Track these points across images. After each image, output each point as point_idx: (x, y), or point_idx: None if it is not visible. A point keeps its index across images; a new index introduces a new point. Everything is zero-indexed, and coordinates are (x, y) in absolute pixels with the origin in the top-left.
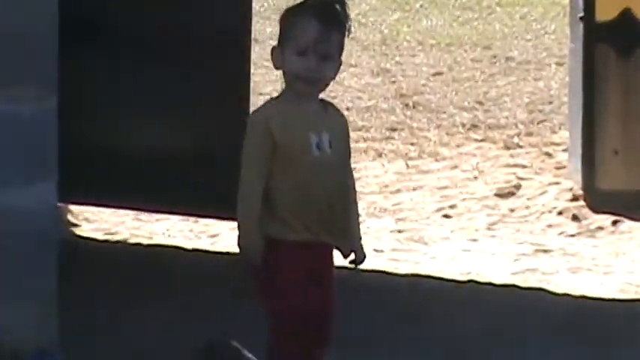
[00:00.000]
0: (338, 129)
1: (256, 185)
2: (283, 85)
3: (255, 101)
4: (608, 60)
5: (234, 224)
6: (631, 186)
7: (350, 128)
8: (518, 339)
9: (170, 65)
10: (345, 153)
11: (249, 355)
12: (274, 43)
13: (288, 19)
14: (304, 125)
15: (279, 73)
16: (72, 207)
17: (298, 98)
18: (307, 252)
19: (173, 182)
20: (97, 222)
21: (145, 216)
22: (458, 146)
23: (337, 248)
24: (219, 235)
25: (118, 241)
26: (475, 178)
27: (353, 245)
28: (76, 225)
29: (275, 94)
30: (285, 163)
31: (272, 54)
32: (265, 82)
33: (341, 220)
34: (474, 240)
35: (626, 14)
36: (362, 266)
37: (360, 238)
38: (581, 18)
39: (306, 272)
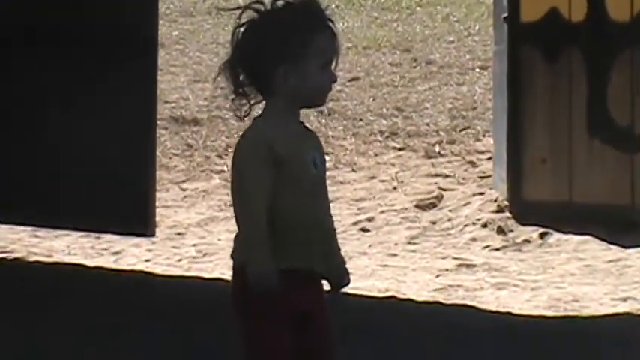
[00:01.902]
0: (319, 148)
1: (261, 206)
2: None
3: (161, 110)
4: (535, 63)
5: (137, 240)
6: (559, 196)
7: None
8: (442, 358)
9: (72, 71)
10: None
11: None
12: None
13: (296, 32)
14: (301, 143)
15: (184, 79)
16: None
17: (291, 116)
18: (300, 285)
19: (75, 197)
20: None
21: (43, 232)
22: (376, 155)
23: (325, 278)
24: (122, 252)
25: (15, 259)
26: (394, 189)
27: (341, 271)
28: None
29: (182, 102)
30: (286, 183)
31: (260, 74)
32: (171, 89)
33: (331, 242)
34: (394, 255)
35: (552, 14)
36: None
37: (345, 262)
38: (505, 18)
39: (295, 313)
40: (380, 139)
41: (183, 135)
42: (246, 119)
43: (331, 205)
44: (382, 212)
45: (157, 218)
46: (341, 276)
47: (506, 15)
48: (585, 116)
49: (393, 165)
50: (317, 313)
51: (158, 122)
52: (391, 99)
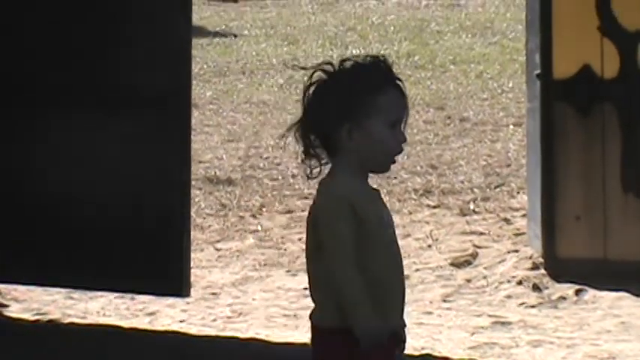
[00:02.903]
0: (386, 206)
1: (354, 264)
2: (328, 166)
3: (195, 170)
4: (567, 119)
5: (172, 301)
6: (594, 253)
7: (296, 196)
8: None
9: (109, 132)
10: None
11: None
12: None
13: (362, 91)
14: (374, 202)
15: (218, 138)
16: None
17: (362, 174)
18: (391, 347)
19: (110, 259)
20: (26, 301)
21: (77, 294)
22: (410, 213)
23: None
24: (157, 313)
25: (49, 321)
26: (429, 246)
27: (404, 333)
28: (3, 305)
29: (216, 162)
30: (369, 244)
31: (327, 134)
32: (205, 149)
33: (404, 303)
34: (429, 313)
35: (584, 71)
36: (306, 342)
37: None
38: (538, 75)
39: None
40: (414, 196)
41: (217, 195)
42: (315, 180)
43: None
44: (417, 270)
45: (192, 278)
46: (404, 335)
47: (538, 72)
48: (619, 172)
49: (428, 223)
50: None
51: (192, 182)
52: (425, 156)
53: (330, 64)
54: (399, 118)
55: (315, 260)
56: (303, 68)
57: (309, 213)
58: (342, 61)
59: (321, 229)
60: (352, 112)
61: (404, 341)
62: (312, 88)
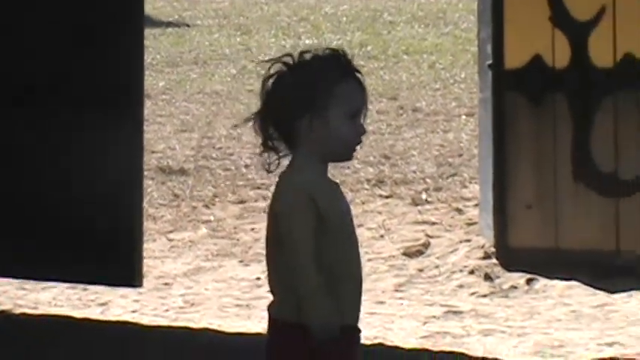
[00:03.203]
0: (345, 199)
1: (312, 258)
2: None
3: (148, 160)
4: (519, 109)
5: (124, 291)
6: (545, 242)
7: (249, 186)
8: None
9: (59, 123)
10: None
11: None
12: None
13: (322, 83)
14: (334, 194)
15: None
16: None
17: (321, 165)
18: (353, 342)
19: (62, 249)
20: None
21: (29, 285)
22: (363, 203)
23: None
24: (109, 303)
25: (1, 312)
26: (382, 236)
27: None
28: None
29: (169, 152)
30: (329, 237)
31: (286, 126)
32: (157, 139)
33: (361, 296)
34: (381, 302)
35: (536, 61)
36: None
37: None
38: (489, 65)
39: None
40: (367, 186)
41: (169, 185)
42: (274, 172)
43: None
44: (370, 260)
45: (144, 269)
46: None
47: (490, 62)
48: (570, 162)
49: (380, 213)
50: None
51: (145, 172)
52: (378, 147)
53: (290, 55)
54: (359, 110)
55: (275, 254)
56: (265, 61)
57: (270, 206)
58: (302, 53)
59: (281, 223)
60: (313, 103)
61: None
62: (271, 80)
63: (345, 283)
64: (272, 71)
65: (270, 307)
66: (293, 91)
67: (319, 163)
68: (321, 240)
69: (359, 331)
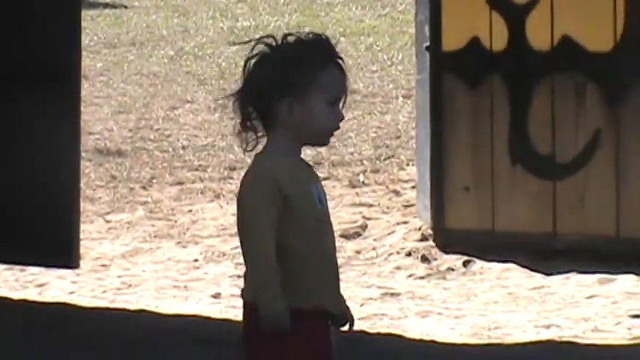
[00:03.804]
0: (320, 183)
1: (271, 244)
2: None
3: (85, 141)
4: (457, 91)
5: (62, 272)
6: (482, 225)
7: (186, 168)
8: None
9: None
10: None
11: None
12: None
13: (305, 67)
14: (306, 179)
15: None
16: None
17: (294, 152)
18: (320, 326)
19: None
20: None
21: None
22: None
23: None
24: (47, 285)
25: None
26: None
27: (344, 311)
28: None
29: (106, 133)
30: (294, 220)
31: (266, 107)
32: (95, 120)
33: (338, 280)
34: None
35: (473, 43)
36: (196, 313)
37: (345, 301)
38: (427, 48)
39: (309, 353)
40: None
41: (107, 166)
42: (251, 152)
43: None
44: None
45: (82, 250)
46: (344, 313)
47: (428, 44)
48: (507, 144)
49: None
50: (328, 353)
51: (82, 154)
52: None
53: (273, 37)
54: (339, 96)
55: (240, 236)
56: (245, 42)
57: (239, 190)
58: (285, 35)
59: (241, 208)
60: (294, 86)
61: (348, 319)
62: (253, 60)
63: (312, 265)
64: (255, 51)
65: (241, 292)
66: (275, 73)
67: (294, 146)
68: (286, 221)
69: (330, 315)
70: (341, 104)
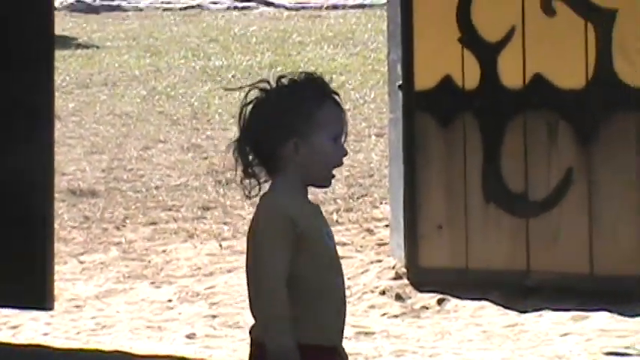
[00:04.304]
0: (326, 220)
1: (283, 280)
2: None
3: (58, 182)
4: (429, 130)
5: (35, 314)
6: (456, 263)
7: (159, 208)
8: None
9: None
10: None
11: None
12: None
13: (304, 106)
14: (316, 217)
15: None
16: None
17: (301, 191)
18: None
19: None
20: None
21: None
22: None
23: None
24: (20, 326)
25: None
26: None
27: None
28: None
29: (79, 174)
30: (306, 258)
31: (269, 152)
32: (68, 161)
33: (345, 319)
34: None
35: (446, 81)
36: (171, 353)
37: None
38: (399, 87)
39: None
40: None
41: (80, 207)
42: (255, 199)
43: (229, 275)
44: None
45: (56, 291)
46: (345, 352)
47: (400, 83)
48: (480, 182)
49: None
50: None
51: (55, 194)
52: None
53: (266, 82)
54: (340, 131)
55: (250, 273)
56: (238, 89)
57: (249, 230)
58: (279, 77)
59: (255, 242)
60: (298, 126)
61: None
62: (249, 107)
63: (323, 303)
64: (250, 98)
65: (251, 330)
66: (276, 117)
67: (300, 186)
68: (300, 258)
69: (338, 353)
70: (343, 139)
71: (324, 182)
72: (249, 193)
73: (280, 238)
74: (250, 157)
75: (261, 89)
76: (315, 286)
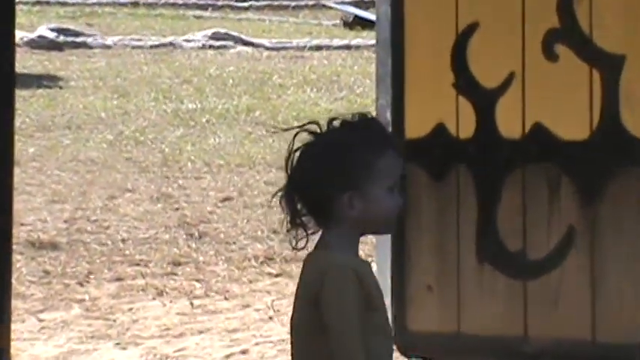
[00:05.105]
0: None
1: (360, 345)
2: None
3: (17, 233)
4: (420, 183)
5: None
6: (447, 327)
7: (126, 263)
8: None
9: None
10: None
11: None
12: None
13: (361, 155)
14: (372, 274)
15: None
16: None
17: (357, 245)
18: None
19: None
20: None
21: None
22: (250, 282)
23: None
24: None
25: None
26: (270, 318)
27: None
28: None
29: (39, 224)
30: (371, 317)
31: (320, 203)
32: (27, 210)
33: None
34: None
35: (438, 130)
36: None
37: None
38: None
39: None
40: (255, 264)
41: (40, 260)
42: (302, 251)
43: (201, 336)
44: (257, 344)
45: (12, 351)
46: None
47: (390, 131)
48: (474, 240)
49: (269, 292)
50: None
51: (13, 247)
52: (267, 221)
53: (316, 124)
54: (396, 181)
55: (313, 342)
56: (285, 130)
57: (298, 287)
58: (330, 120)
59: (326, 309)
60: (353, 177)
61: None
62: (298, 152)
63: None
64: (297, 143)
65: None
66: (328, 165)
67: (354, 240)
68: (366, 319)
69: None
70: (399, 187)
71: (385, 232)
72: (297, 244)
73: (352, 299)
74: (299, 207)
75: (310, 132)
76: (375, 349)
